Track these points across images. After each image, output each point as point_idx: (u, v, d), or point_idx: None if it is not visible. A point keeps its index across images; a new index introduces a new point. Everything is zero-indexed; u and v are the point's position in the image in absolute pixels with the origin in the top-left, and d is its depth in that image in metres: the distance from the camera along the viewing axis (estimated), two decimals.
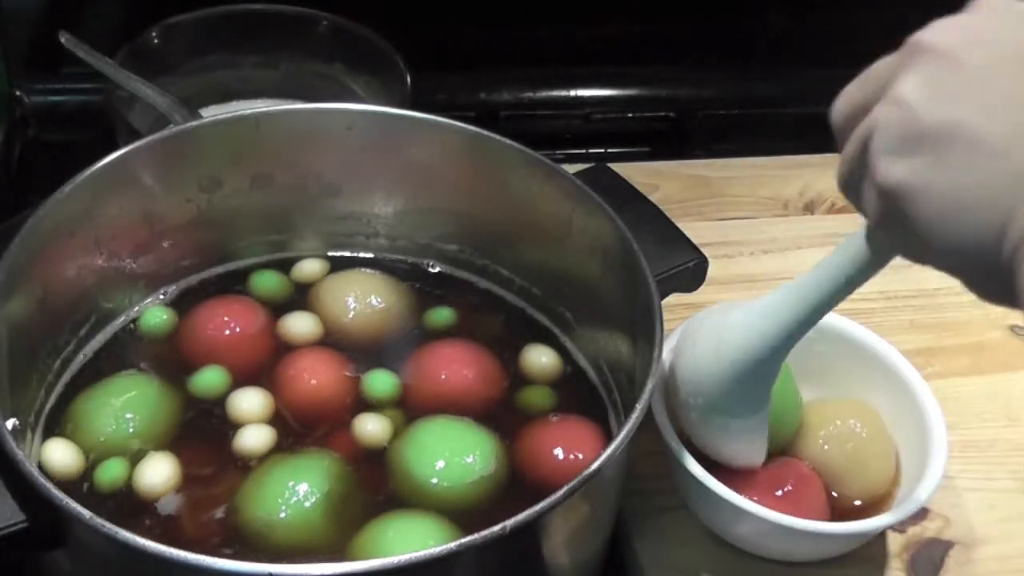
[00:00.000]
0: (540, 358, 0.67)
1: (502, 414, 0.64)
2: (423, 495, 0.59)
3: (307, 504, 0.57)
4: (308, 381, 0.64)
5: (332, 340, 0.68)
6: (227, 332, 0.66)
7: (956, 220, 0.41)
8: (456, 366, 0.66)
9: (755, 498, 0.63)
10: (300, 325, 0.68)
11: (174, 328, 0.67)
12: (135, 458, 0.60)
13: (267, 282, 0.71)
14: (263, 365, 0.66)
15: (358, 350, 0.67)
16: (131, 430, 0.60)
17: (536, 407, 0.65)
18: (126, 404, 0.61)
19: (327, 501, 0.57)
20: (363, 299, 0.69)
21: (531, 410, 0.65)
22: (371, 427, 0.62)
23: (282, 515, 0.56)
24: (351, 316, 0.68)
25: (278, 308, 0.69)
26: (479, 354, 0.67)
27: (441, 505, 0.58)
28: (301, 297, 0.70)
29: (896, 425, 0.69)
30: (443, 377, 0.65)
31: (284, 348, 0.67)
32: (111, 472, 0.59)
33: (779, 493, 0.65)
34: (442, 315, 0.70)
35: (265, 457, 0.61)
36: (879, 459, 0.68)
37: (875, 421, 0.69)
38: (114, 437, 0.60)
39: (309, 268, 0.72)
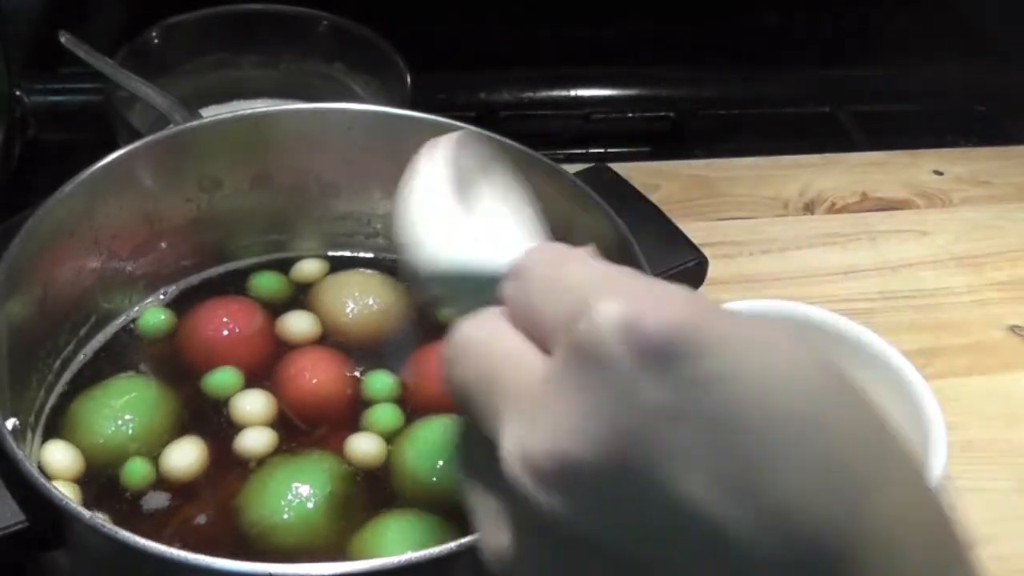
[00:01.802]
0: None
1: None
2: (423, 495, 0.59)
3: (309, 505, 0.57)
4: (309, 380, 0.64)
5: (332, 340, 0.67)
6: (226, 332, 0.66)
7: None
8: None
9: None
10: (300, 325, 0.68)
11: (173, 328, 0.67)
12: (144, 456, 0.60)
13: (267, 282, 0.71)
14: (263, 365, 0.65)
15: (358, 350, 0.67)
16: (130, 432, 0.60)
17: None
18: (125, 406, 0.61)
19: (329, 502, 0.57)
20: (362, 299, 0.69)
21: None
22: (365, 446, 0.62)
23: (285, 516, 0.56)
24: (350, 316, 0.68)
25: (278, 308, 0.69)
26: None
27: (441, 505, 0.58)
28: (301, 297, 0.70)
29: (896, 425, 0.69)
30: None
31: (284, 348, 0.67)
32: (138, 470, 0.59)
33: None
34: None
35: (267, 458, 0.60)
36: None
37: None
38: (113, 439, 0.60)
39: (309, 268, 0.72)
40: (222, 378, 0.64)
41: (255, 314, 0.68)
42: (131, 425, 0.60)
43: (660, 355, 0.26)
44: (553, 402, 0.27)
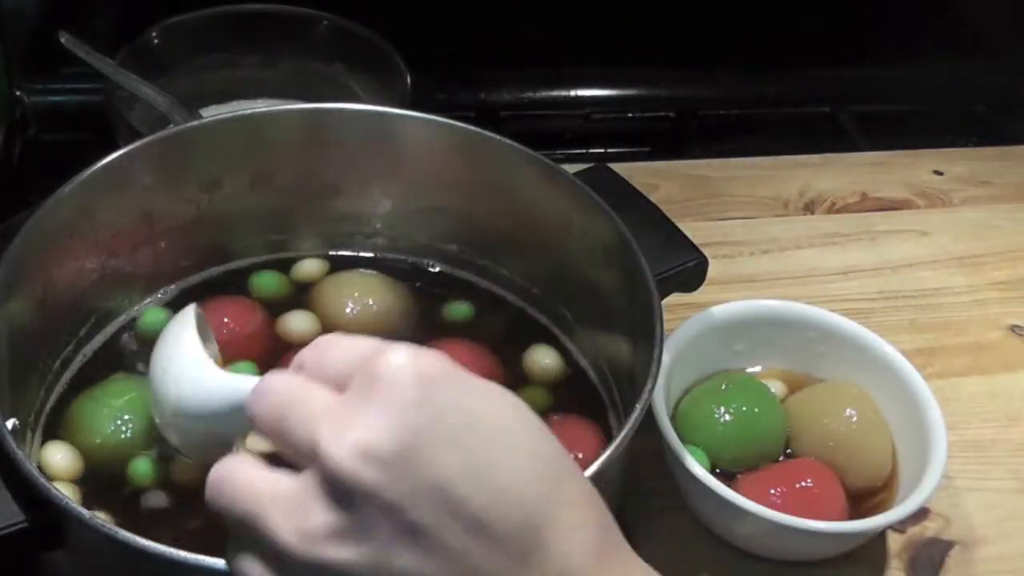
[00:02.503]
0: (543, 359, 0.68)
1: None
2: None
3: None
4: None
5: None
6: (227, 332, 0.66)
7: None
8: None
9: (775, 500, 0.64)
10: (300, 324, 0.68)
11: None
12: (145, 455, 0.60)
13: (267, 282, 0.70)
14: (264, 365, 0.65)
15: None
16: (130, 433, 0.60)
17: (536, 407, 0.65)
18: (125, 406, 0.61)
19: None
20: (362, 299, 0.69)
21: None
22: None
23: None
24: (351, 316, 0.68)
25: (278, 308, 0.69)
26: (480, 354, 0.67)
27: None
28: (301, 297, 0.70)
29: (896, 425, 0.69)
30: None
31: (284, 347, 0.67)
32: (143, 469, 0.59)
33: (799, 488, 0.66)
34: (461, 309, 0.70)
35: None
36: (879, 441, 0.68)
37: (866, 403, 0.69)
38: (112, 439, 0.60)
39: (309, 268, 0.72)
40: (240, 371, 0.64)
41: (255, 314, 0.68)
42: (131, 425, 0.60)
43: (434, 381, 0.39)
44: (358, 414, 0.38)
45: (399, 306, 0.70)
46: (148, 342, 0.66)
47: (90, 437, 0.60)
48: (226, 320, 0.67)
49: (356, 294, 0.69)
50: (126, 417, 0.61)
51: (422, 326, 0.69)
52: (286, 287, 0.71)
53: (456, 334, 0.69)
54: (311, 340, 0.65)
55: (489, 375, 0.65)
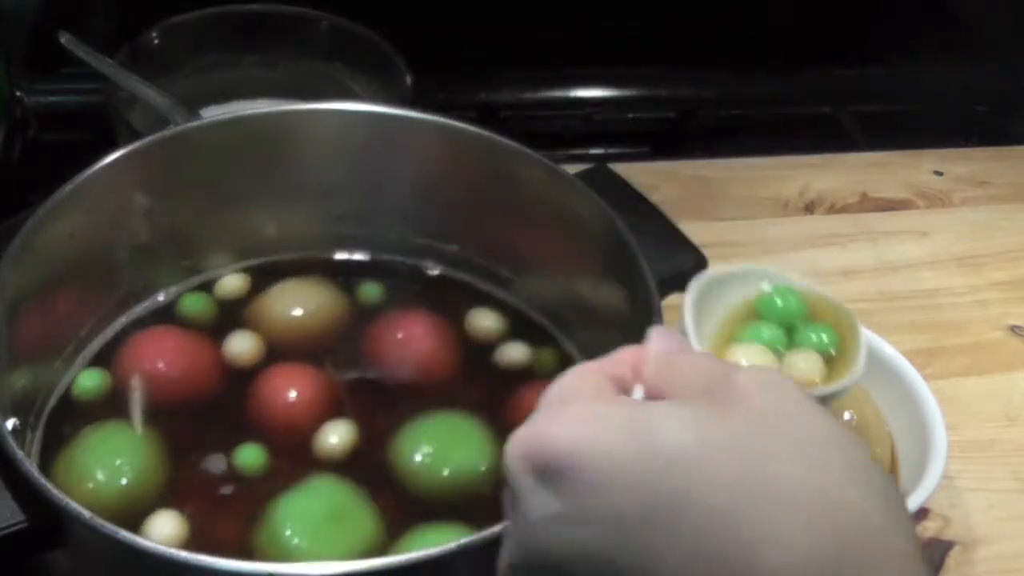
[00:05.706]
0: (483, 321, 0.69)
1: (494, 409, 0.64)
2: (426, 489, 0.59)
3: (319, 526, 0.56)
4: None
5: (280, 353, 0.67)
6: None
7: None
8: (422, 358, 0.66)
9: None
10: (241, 345, 0.67)
11: (110, 390, 0.64)
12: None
13: (194, 303, 0.69)
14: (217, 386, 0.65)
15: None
16: (127, 479, 0.59)
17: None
18: (112, 454, 0.59)
19: (334, 521, 0.57)
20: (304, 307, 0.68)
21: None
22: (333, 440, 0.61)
23: (295, 542, 0.56)
24: (294, 324, 0.68)
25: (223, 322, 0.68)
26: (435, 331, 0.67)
27: (445, 498, 0.59)
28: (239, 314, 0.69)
29: (896, 425, 0.69)
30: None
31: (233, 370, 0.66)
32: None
33: None
34: (371, 291, 0.70)
35: (268, 482, 0.60)
36: (879, 441, 0.68)
37: (866, 403, 0.69)
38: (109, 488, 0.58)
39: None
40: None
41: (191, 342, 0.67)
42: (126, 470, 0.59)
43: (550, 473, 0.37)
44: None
45: (333, 306, 0.69)
46: (86, 406, 0.64)
47: (84, 489, 0.58)
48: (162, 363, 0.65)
49: (297, 304, 0.68)
50: (117, 463, 0.59)
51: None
52: (211, 307, 0.69)
53: (458, 331, 0.68)
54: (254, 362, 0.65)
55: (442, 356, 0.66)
